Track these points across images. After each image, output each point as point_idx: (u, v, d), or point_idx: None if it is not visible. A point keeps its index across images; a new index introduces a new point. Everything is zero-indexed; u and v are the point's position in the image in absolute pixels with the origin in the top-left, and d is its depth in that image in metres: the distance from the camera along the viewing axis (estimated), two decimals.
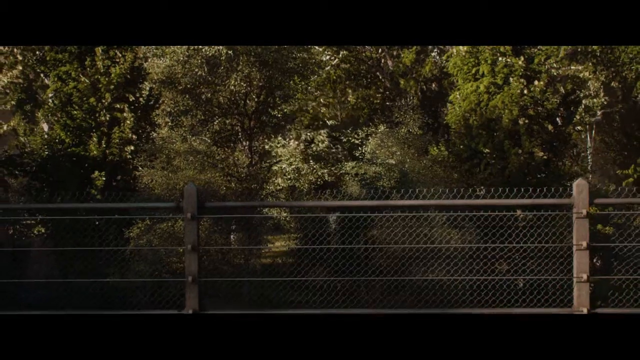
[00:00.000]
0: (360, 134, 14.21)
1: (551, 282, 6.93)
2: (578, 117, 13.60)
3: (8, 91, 13.97)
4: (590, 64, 14.79)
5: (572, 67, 14.13)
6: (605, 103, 16.44)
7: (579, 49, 14.01)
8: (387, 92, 15.49)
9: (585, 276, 6.33)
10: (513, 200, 6.72)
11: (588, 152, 22.24)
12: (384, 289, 7.90)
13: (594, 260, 7.27)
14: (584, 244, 6.33)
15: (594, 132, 21.21)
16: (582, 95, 14.24)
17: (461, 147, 12.15)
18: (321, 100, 15.98)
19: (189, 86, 14.42)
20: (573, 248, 6.47)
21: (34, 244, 15.28)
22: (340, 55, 15.69)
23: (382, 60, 15.41)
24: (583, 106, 14.71)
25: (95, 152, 11.90)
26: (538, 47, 12.33)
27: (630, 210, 8.10)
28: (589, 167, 16.34)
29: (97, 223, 12.58)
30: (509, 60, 11.93)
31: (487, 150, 11.71)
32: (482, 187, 8.55)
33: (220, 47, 14.81)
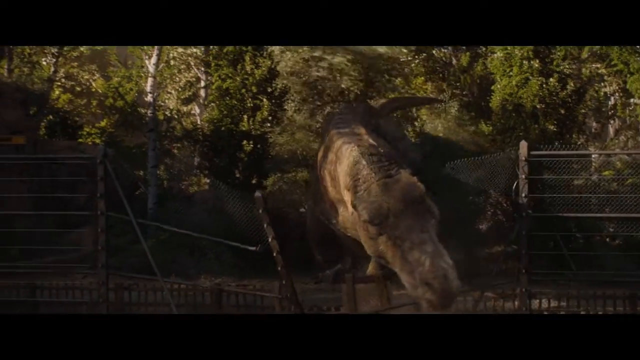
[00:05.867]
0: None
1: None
2: (589, 102, 17.85)
3: (186, 87, 19.48)
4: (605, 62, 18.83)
5: (593, 65, 18.36)
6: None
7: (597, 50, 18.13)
8: (457, 83, 20.03)
9: (524, 194, 11.04)
10: None
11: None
12: None
13: None
14: (524, 176, 11.03)
15: None
16: (597, 87, 18.49)
17: (498, 124, 16.83)
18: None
19: (307, 80, 19.47)
20: (519, 178, 11.20)
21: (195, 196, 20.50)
22: (422, 56, 20.32)
23: (453, 60, 20.03)
24: (602, 94, 18.96)
25: (245, 127, 17.13)
26: (556, 49, 16.70)
27: None
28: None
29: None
30: (531, 62, 16.44)
31: (516, 126, 16.34)
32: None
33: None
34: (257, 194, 10.17)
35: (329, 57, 19.49)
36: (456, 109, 19.03)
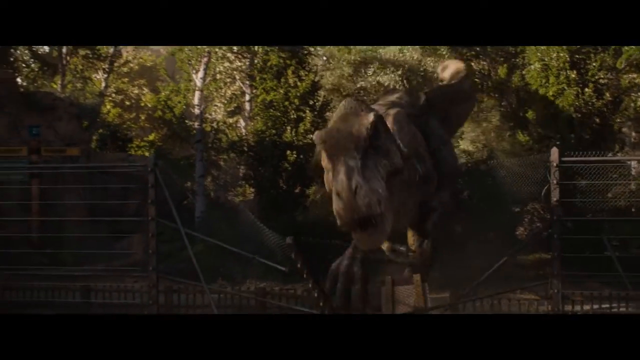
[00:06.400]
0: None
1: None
2: (626, 112, 18.04)
3: (231, 100, 20.27)
4: None
5: (630, 75, 18.52)
6: None
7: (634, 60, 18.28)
8: (496, 95, 20.37)
9: (555, 199, 11.37)
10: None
11: None
12: None
13: None
14: (555, 180, 11.36)
15: None
16: (634, 97, 18.66)
17: (535, 133, 17.13)
18: None
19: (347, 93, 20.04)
20: (551, 182, 11.54)
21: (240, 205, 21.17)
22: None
23: (492, 72, 20.36)
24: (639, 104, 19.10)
25: (289, 138, 17.68)
26: (591, 59, 16.93)
27: None
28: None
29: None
30: (568, 73, 16.70)
31: (552, 135, 16.63)
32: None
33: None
34: (288, 240, 10.81)
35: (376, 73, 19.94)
36: (497, 118, 19.49)
